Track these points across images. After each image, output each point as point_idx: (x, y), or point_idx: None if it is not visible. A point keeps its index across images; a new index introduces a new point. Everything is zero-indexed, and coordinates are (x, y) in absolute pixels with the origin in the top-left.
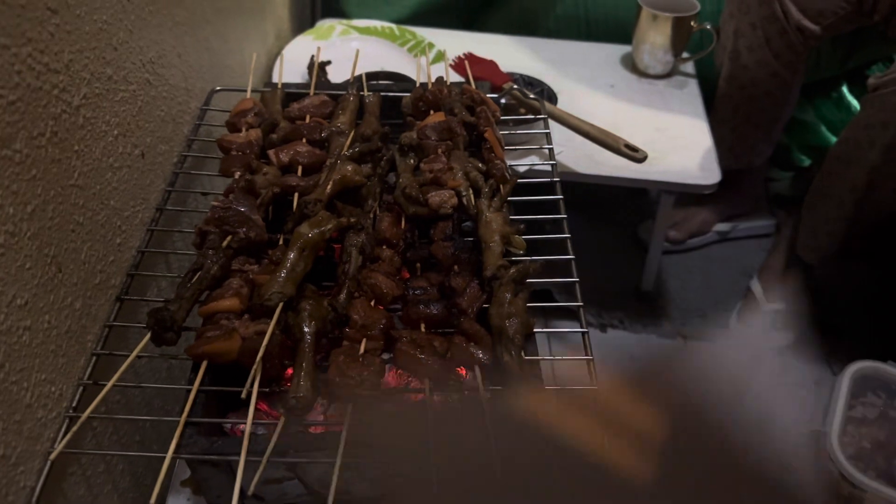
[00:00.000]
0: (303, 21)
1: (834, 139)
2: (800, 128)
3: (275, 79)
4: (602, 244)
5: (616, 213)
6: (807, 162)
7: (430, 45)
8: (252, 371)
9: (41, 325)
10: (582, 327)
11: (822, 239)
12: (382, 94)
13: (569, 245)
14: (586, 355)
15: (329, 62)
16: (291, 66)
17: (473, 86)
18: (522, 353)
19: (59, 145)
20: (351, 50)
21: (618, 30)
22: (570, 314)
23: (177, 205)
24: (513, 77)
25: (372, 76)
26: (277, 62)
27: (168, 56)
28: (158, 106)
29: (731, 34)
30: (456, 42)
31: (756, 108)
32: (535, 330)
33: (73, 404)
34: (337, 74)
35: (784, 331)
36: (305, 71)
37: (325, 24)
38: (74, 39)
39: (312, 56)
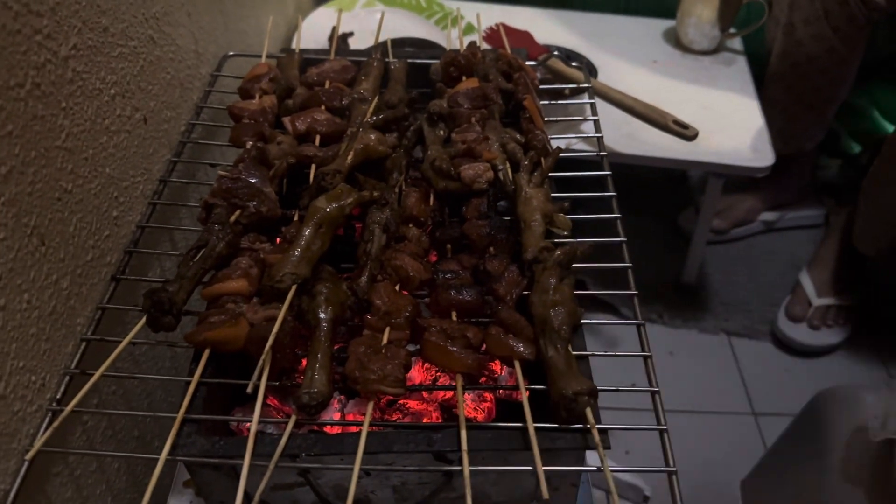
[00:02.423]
0: None
1: (888, 125)
2: (851, 112)
3: (293, 46)
4: (639, 232)
5: (654, 200)
6: (857, 149)
7: (460, 17)
8: (260, 362)
9: (18, 306)
10: (637, 318)
11: (881, 229)
12: (409, 60)
13: (619, 226)
14: (643, 351)
15: (352, 33)
16: (311, 37)
17: (508, 50)
18: (570, 348)
19: (42, 100)
20: (375, 21)
21: (658, 3)
22: (603, 305)
23: (183, 177)
24: (550, 49)
25: (398, 43)
26: (296, 31)
27: (176, 14)
28: (164, 68)
29: (786, 7)
30: (486, 14)
31: (810, 88)
32: (583, 321)
33: (58, 396)
34: (360, 46)
35: (836, 328)
36: (326, 42)
37: None
38: None
39: (333, 27)
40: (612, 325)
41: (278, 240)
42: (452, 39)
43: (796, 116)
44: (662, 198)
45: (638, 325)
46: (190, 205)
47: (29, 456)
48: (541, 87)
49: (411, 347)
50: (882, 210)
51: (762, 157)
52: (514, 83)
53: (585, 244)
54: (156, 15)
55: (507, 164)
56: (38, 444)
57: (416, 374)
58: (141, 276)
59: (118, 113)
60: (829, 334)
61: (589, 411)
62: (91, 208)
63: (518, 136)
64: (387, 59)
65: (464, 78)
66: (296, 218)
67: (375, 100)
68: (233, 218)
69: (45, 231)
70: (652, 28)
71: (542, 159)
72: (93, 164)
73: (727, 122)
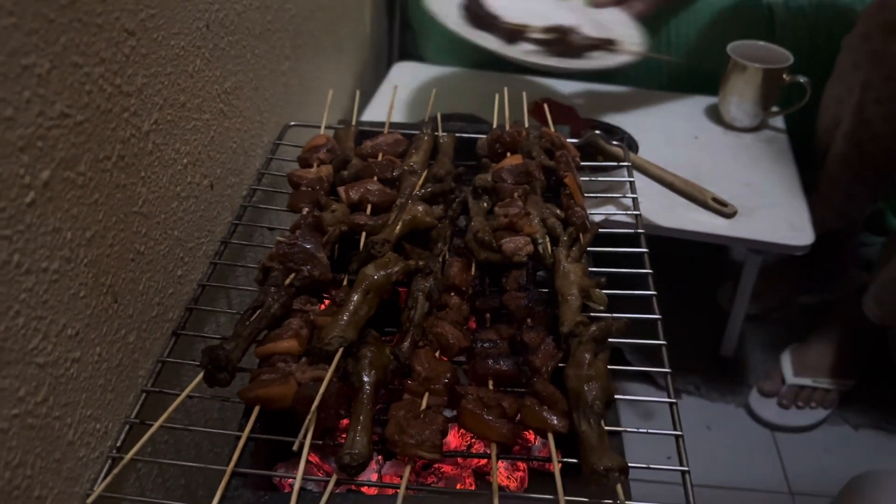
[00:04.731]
0: (380, 63)
1: None
2: None
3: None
4: (676, 301)
5: (693, 271)
6: None
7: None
8: (306, 421)
9: (91, 358)
10: (670, 397)
11: None
12: (457, 134)
13: (654, 303)
14: (675, 430)
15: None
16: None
17: (552, 128)
18: (602, 423)
19: (125, 170)
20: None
21: (701, 80)
22: (641, 377)
23: (242, 238)
24: (592, 123)
25: (447, 117)
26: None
27: (244, 88)
28: (231, 137)
29: (857, 87)
30: (532, 88)
31: (872, 166)
32: (617, 396)
33: (118, 444)
34: (411, 116)
35: (810, 410)
36: (381, 110)
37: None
38: (149, 63)
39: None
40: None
41: (327, 301)
42: (498, 109)
43: (855, 194)
44: (702, 269)
45: (670, 404)
46: (247, 265)
47: (90, 501)
48: (581, 163)
49: (448, 412)
50: None
51: (802, 235)
52: (556, 161)
53: (621, 321)
54: (227, 90)
55: (547, 239)
56: (98, 489)
57: (452, 439)
58: (199, 332)
59: (189, 180)
60: (800, 414)
61: (619, 487)
62: (159, 268)
63: (558, 211)
64: (436, 133)
65: (508, 154)
66: (345, 282)
67: (424, 173)
68: (287, 281)
69: (118, 289)
70: (694, 105)
71: (581, 235)
72: (164, 227)
73: (767, 200)
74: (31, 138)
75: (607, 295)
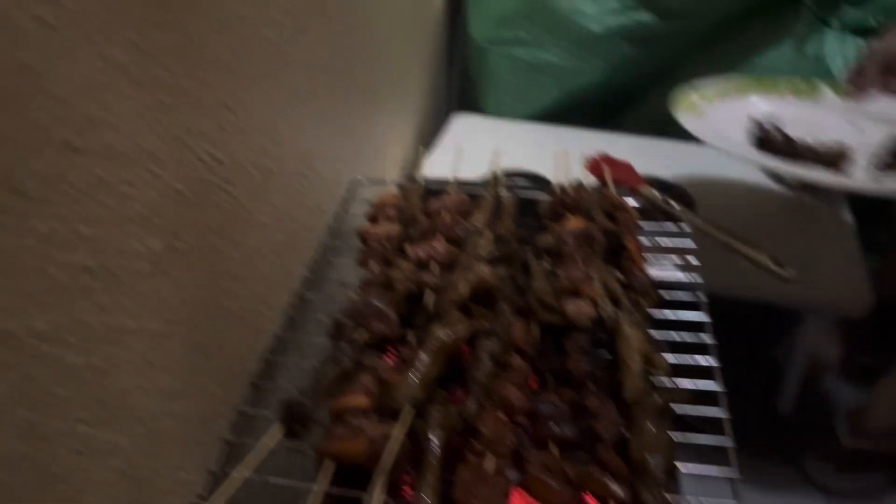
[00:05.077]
0: (439, 114)
1: None
2: None
3: (416, 172)
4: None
5: (746, 321)
6: None
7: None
8: (375, 477)
9: (184, 412)
10: (731, 471)
11: None
12: (518, 193)
13: (717, 374)
14: (733, 501)
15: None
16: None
17: (611, 188)
18: (664, 492)
19: (219, 234)
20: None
21: None
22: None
23: (314, 291)
24: (649, 180)
25: (509, 174)
26: (419, 156)
27: (321, 148)
28: (308, 196)
29: None
30: (590, 141)
31: None
32: (680, 468)
33: (201, 492)
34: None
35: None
36: (443, 164)
37: (462, 119)
38: (243, 135)
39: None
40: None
41: (393, 356)
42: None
43: None
44: (756, 321)
45: (731, 479)
46: (318, 317)
47: None
48: (640, 221)
49: (509, 472)
50: None
51: (860, 299)
52: (616, 223)
53: (684, 391)
54: (306, 153)
55: (608, 303)
56: None
57: (514, 501)
58: (276, 383)
59: (270, 239)
60: (858, 480)
61: None
62: (243, 323)
63: (619, 274)
64: (499, 192)
65: (569, 214)
66: (411, 338)
67: (488, 233)
68: (359, 337)
69: (209, 345)
70: None
71: (641, 300)
72: (248, 284)
73: (826, 262)
74: (148, 213)
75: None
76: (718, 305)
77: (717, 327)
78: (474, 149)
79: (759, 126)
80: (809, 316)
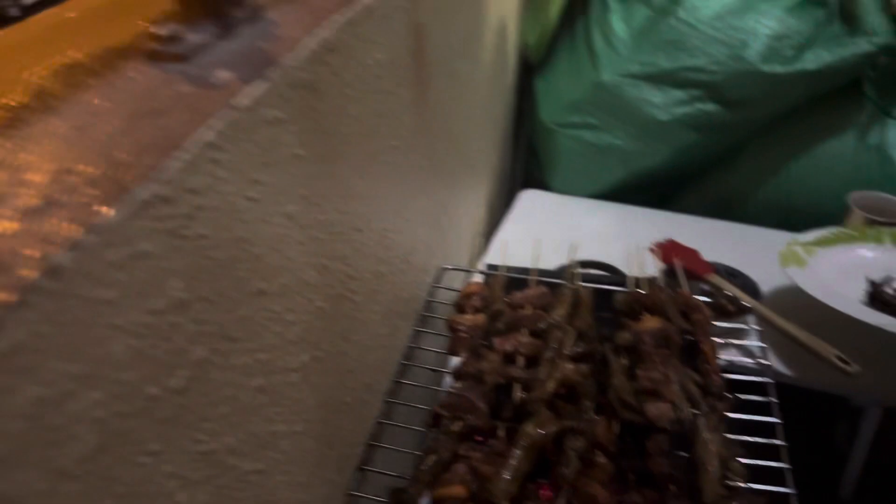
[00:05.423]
0: (503, 189)
1: None
2: None
3: (494, 259)
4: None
5: (806, 404)
6: None
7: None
8: None
9: (313, 500)
10: None
11: None
12: (594, 285)
13: (788, 477)
14: None
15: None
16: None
17: (683, 281)
18: None
19: (345, 338)
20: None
21: (824, 222)
22: None
23: (408, 378)
24: (715, 267)
25: (584, 264)
26: (496, 243)
27: (417, 244)
28: (404, 289)
29: None
30: (653, 223)
31: None
32: None
33: None
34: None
35: None
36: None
37: (529, 196)
38: (367, 249)
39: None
40: None
41: (483, 446)
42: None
43: None
44: (816, 404)
45: None
46: (409, 404)
47: None
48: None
49: None
50: None
51: None
52: (691, 324)
53: (762, 497)
54: (407, 251)
55: (686, 405)
56: None
57: None
58: (373, 467)
59: (378, 332)
60: None
61: None
62: (355, 413)
63: (696, 376)
64: (576, 284)
65: (644, 313)
66: (500, 430)
67: (570, 329)
68: (455, 428)
69: (332, 436)
70: None
71: (717, 403)
72: (360, 377)
73: (889, 351)
74: (303, 333)
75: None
76: (783, 388)
77: (781, 408)
78: (544, 225)
79: (871, 282)
80: (872, 409)
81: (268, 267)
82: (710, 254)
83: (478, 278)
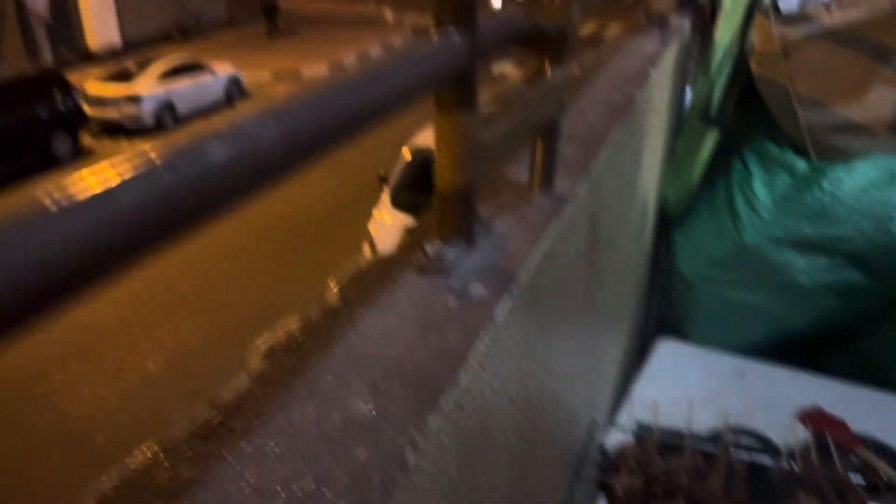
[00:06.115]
0: (639, 337)
1: None
2: None
3: (642, 414)
4: None
5: None
6: None
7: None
8: None
9: None
10: None
11: None
12: (748, 459)
13: None
14: None
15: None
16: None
17: (835, 456)
18: None
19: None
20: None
21: None
22: None
23: None
24: (863, 440)
25: (735, 430)
26: (642, 396)
27: (576, 399)
28: (559, 446)
29: None
30: (799, 387)
31: None
32: None
33: None
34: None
35: None
36: (659, 392)
37: (667, 347)
38: (545, 412)
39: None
40: None
41: None
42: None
43: None
44: None
45: None
46: None
47: None
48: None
49: None
50: None
51: None
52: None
53: None
54: (569, 406)
55: None
56: None
57: None
58: None
59: (539, 475)
60: None
61: None
62: None
63: None
64: (728, 454)
65: (801, 493)
66: None
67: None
68: None
69: None
70: None
71: None
72: None
73: None
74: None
75: None
76: None
77: None
78: (687, 380)
79: None
80: None
81: (493, 443)
82: (855, 421)
83: (627, 435)
